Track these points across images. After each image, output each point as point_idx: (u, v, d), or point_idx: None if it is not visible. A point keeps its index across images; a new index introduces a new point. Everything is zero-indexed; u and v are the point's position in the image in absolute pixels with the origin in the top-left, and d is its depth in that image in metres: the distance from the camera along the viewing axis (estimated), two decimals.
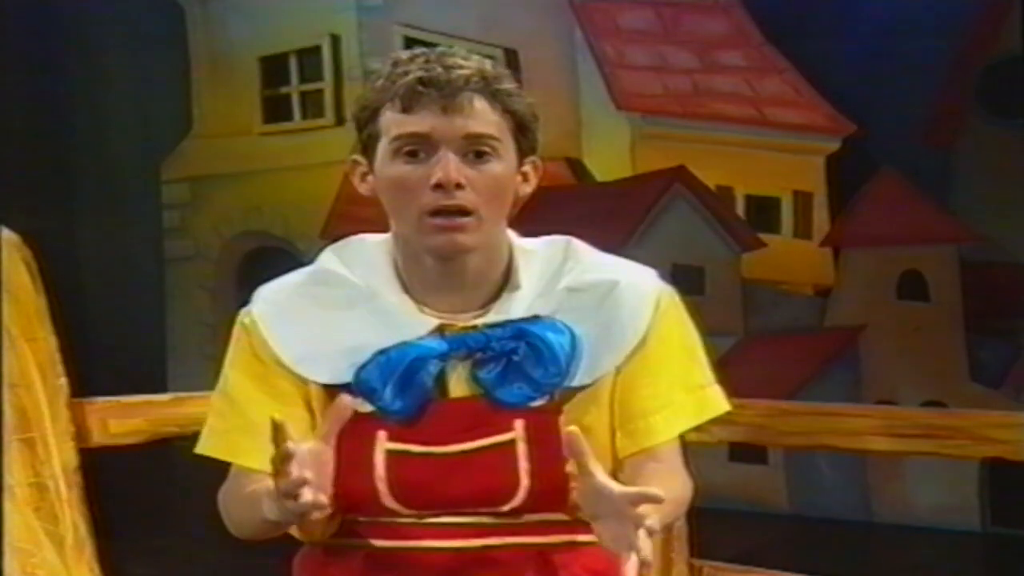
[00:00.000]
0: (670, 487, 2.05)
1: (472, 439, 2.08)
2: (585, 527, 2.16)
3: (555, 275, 2.14)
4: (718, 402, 2.20)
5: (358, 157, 2.13)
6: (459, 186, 2.02)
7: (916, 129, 6.16)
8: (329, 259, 2.19)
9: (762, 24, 6.58)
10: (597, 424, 2.12)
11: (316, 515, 1.93)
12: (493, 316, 2.10)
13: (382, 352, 2.08)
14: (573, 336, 2.10)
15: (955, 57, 6.10)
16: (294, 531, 2.14)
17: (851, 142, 6.36)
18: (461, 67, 2.05)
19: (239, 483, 2.12)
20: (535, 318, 2.10)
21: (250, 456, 2.11)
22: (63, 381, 2.55)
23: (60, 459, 2.51)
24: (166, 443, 2.73)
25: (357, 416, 2.09)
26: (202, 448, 2.18)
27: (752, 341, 6.20)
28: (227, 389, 2.17)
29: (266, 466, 2.01)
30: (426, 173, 2.04)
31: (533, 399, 2.09)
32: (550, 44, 6.95)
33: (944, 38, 6.02)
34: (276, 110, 7.81)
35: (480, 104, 2.05)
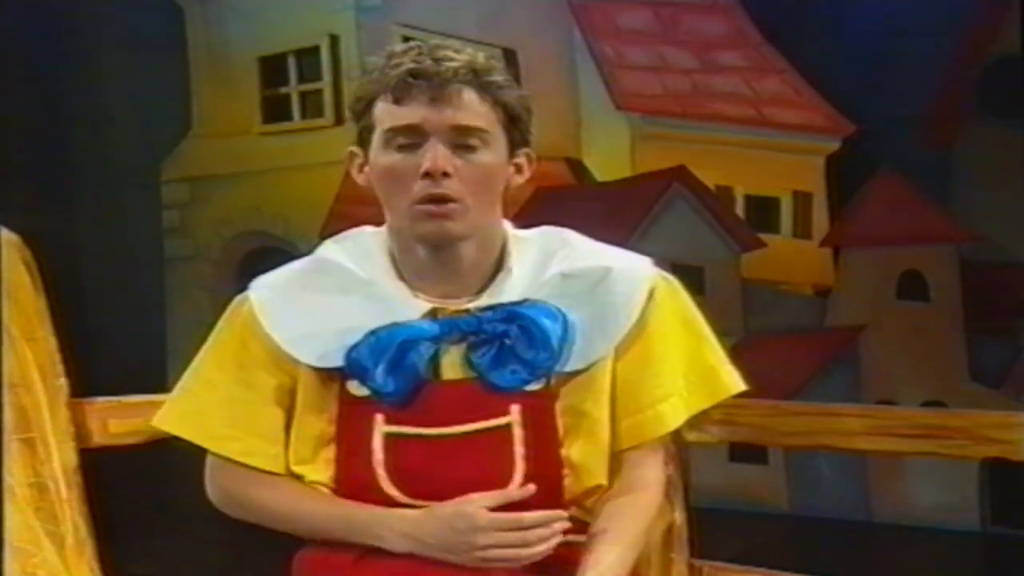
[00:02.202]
0: (647, 509, 2.16)
1: (468, 421, 2.11)
2: (579, 526, 2.17)
3: (548, 261, 2.17)
4: (730, 382, 2.22)
5: (355, 148, 2.16)
6: (446, 175, 2.06)
7: (916, 129, 6.16)
8: (328, 249, 2.23)
9: (761, 24, 6.58)
10: (594, 410, 2.14)
11: None
12: (485, 300, 2.13)
13: (372, 332, 2.11)
14: (565, 320, 2.12)
15: (955, 57, 6.10)
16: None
17: (851, 142, 6.36)
18: (451, 59, 2.08)
19: (275, 483, 2.15)
20: (527, 301, 2.13)
21: (224, 443, 2.16)
22: (63, 381, 2.55)
23: (60, 459, 2.50)
24: (166, 443, 2.73)
25: (355, 400, 2.11)
26: (168, 425, 2.22)
27: (752, 341, 6.20)
28: (205, 371, 2.20)
29: (233, 454, 2.14)
30: (415, 162, 2.07)
31: (527, 382, 2.11)
32: (549, 44, 6.95)
33: (944, 38, 6.02)
34: (275, 110, 7.80)
35: (469, 96, 2.08)
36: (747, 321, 6.36)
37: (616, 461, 2.17)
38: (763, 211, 6.65)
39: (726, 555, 2.74)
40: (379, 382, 2.10)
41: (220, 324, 2.22)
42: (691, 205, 6.61)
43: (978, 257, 6.08)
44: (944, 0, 6.02)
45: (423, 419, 2.10)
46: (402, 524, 2.05)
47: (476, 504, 2.02)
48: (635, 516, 2.14)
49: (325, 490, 2.15)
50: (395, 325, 2.11)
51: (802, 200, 6.59)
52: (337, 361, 2.13)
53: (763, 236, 6.57)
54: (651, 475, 2.19)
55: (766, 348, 6.19)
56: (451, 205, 2.06)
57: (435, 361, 2.12)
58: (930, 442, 2.77)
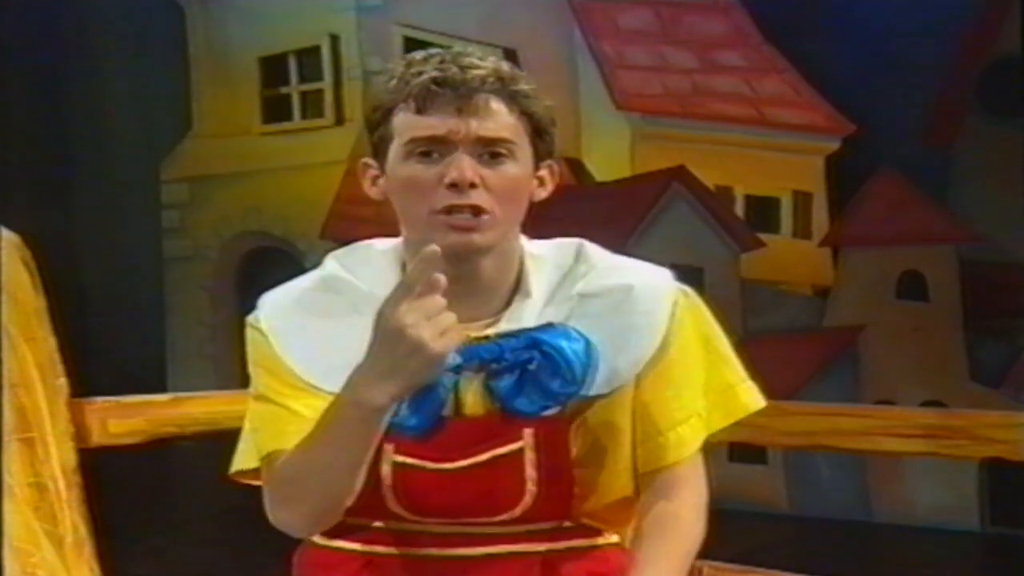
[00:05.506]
0: (681, 531, 2.08)
1: (482, 452, 2.04)
2: (586, 531, 2.14)
3: (567, 281, 2.09)
4: (750, 400, 2.16)
5: (368, 160, 2.07)
6: (473, 185, 1.97)
7: (916, 129, 6.16)
8: (333, 266, 2.13)
9: (761, 24, 6.58)
10: (614, 432, 2.08)
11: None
12: (505, 325, 2.05)
13: None
14: (588, 344, 2.04)
15: (955, 57, 6.10)
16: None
17: (851, 142, 6.36)
18: (477, 67, 2.00)
19: (288, 454, 2.03)
20: (548, 326, 2.05)
21: (298, 437, 2.03)
22: (63, 381, 2.55)
23: (60, 459, 2.50)
24: (166, 443, 2.73)
25: None
26: (245, 462, 2.11)
27: (751, 341, 6.20)
28: (260, 393, 2.10)
29: None
30: (439, 172, 1.98)
31: (548, 408, 2.04)
32: (550, 44, 6.96)
33: (944, 38, 6.03)
34: (275, 110, 7.81)
35: (496, 105, 2.00)
36: (747, 321, 6.37)
37: (643, 483, 2.11)
38: (763, 211, 6.65)
39: (726, 555, 2.73)
40: (403, 417, 2.00)
41: (248, 350, 2.11)
42: (691, 205, 6.61)
43: (978, 257, 6.08)
44: (944, 0, 6.02)
45: (437, 455, 2.01)
46: (365, 378, 1.92)
47: (383, 304, 1.91)
48: (670, 544, 2.08)
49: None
50: None
51: (802, 200, 6.59)
52: None
53: (763, 236, 6.57)
54: (682, 497, 2.10)
55: (766, 348, 6.19)
56: (481, 218, 1.98)
57: (455, 393, 2.03)
58: (930, 442, 2.78)
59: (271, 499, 2.08)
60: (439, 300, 1.87)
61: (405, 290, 1.87)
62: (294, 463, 2.03)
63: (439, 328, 1.87)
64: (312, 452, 1.99)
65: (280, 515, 2.06)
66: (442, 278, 1.88)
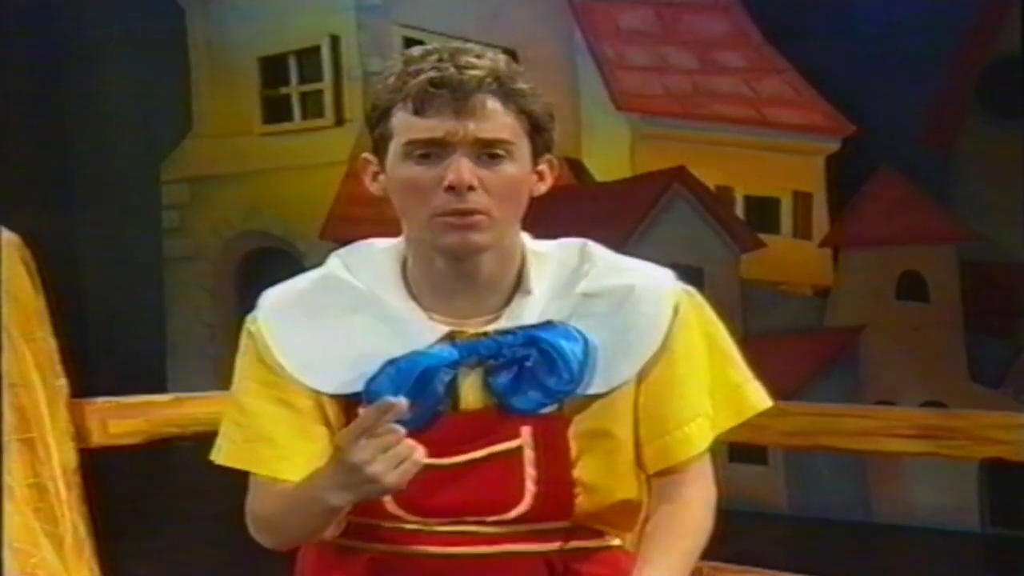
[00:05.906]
0: (689, 527, 2.09)
1: (479, 448, 2.05)
2: (589, 533, 2.14)
3: (571, 279, 2.10)
4: (757, 399, 2.17)
5: (369, 156, 2.08)
6: (471, 188, 1.97)
7: (916, 129, 6.16)
8: (335, 264, 2.14)
9: (762, 24, 6.58)
10: (614, 431, 2.08)
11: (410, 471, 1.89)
12: (505, 322, 2.06)
13: (391, 363, 2.03)
14: (587, 343, 2.05)
15: (955, 57, 6.10)
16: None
17: (851, 142, 6.36)
18: (474, 66, 2.00)
19: (269, 493, 2.08)
20: (548, 324, 2.06)
21: (271, 465, 2.08)
22: (62, 381, 2.56)
23: (59, 459, 2.51)
24: (166, 443, 2.73)
25: None
26: (220, 457, 2.13)
27: (752, 342, 6.19)
28: (241, 399, 2.12)
29: (286, 474, 2.04)
30: (438, 175, 1.98)
31: (544, 406, 2.05)
32: (550, 44, 6.95)
33: (944, 38, 6.02)
34: (276, 110, 7.81)
35: (494, 105, 2.00)
36: (747, 321, 6.36)
37: (652, 484, 2.12)
38: (763, 211, 6.65)
39: (726, 555, 2.73)
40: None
41: (241, 350, 2.14)
42: (691, 206, 6.61)
43: (978, 257, 6.08)
44: (944, 0, 6.02)
45: (434, 450, 1.99)
46: (325, 480, 1.94)
47: (340, 435, 1.93)
48: (679, 538, 2.09)
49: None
50: (414, 354, 2.03)
51: (802, 200, 6.59)
52: (354, 388, 2.05)
53: (763, 236, 6.57)
54: (691, 494, 2.11)
55: (766, 348, 6.18)
56: (477, 217, 1.98)
57: (452, 387, 2.04)
58: (930, 442, 2.78)
59: (249, 515, 2.12)
60: (396, 433, 1.87)
61: (361, 430, 1.87)
62: (271, 505, 2.07)
63: (395, 460, 1.87)
64: (286, 508, 2.04)
65: (256, 533, 2.12)
66: (403, 402, 1.87)
